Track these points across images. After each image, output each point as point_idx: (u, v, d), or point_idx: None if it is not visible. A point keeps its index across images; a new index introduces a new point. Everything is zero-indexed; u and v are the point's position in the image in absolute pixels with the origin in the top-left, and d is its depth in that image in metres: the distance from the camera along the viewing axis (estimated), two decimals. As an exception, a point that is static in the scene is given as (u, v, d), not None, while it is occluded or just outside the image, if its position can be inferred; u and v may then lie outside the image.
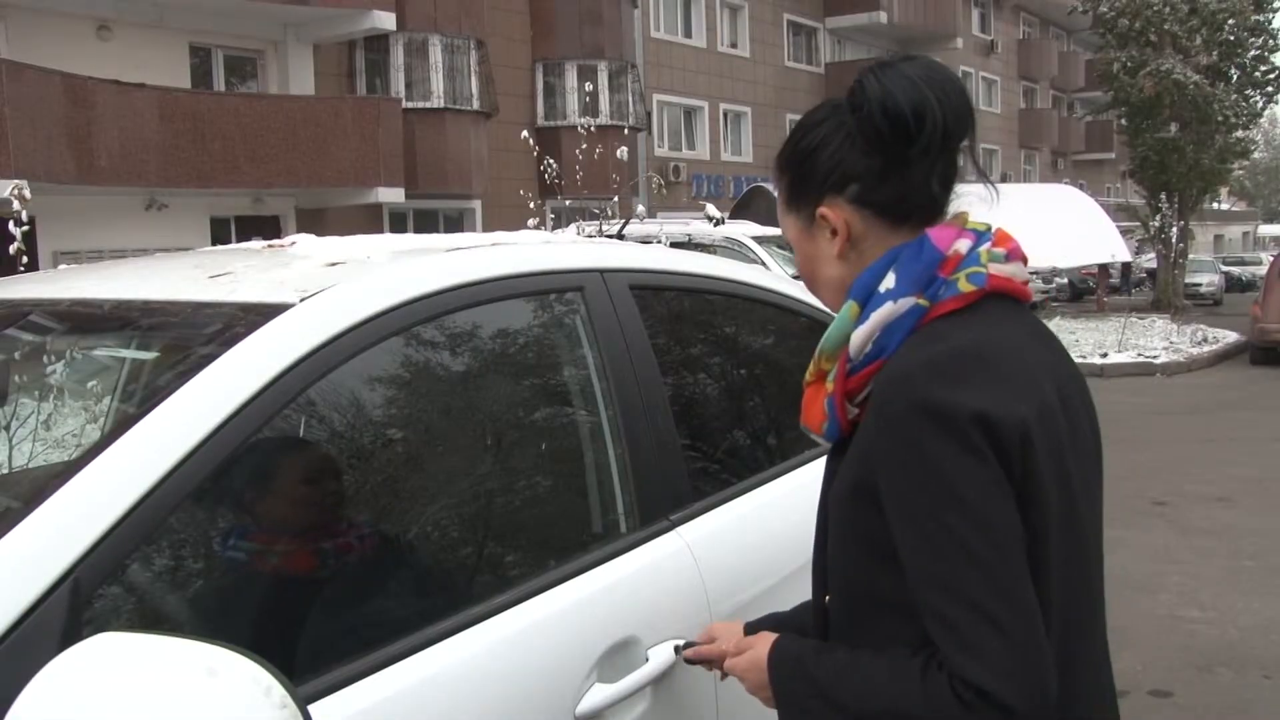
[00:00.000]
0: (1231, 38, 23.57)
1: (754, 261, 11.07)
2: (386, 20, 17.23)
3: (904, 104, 1.23)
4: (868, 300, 1.25)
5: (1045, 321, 1.45)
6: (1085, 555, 1.24)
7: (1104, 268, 25.40)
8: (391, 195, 17.02)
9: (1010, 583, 1.10)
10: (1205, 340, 18.08)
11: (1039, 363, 1.24)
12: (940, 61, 1.31)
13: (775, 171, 1.38)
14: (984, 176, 1.37)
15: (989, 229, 1.31)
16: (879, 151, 1.26)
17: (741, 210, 17.07)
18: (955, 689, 1.09)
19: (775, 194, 1.41)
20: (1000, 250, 1.28)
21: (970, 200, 1.34)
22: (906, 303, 1.23)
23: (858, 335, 1.25)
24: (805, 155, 1.32)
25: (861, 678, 1.19)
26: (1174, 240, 24.09)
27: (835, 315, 1.30)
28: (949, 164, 1.28)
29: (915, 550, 1.14)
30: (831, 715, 1.22)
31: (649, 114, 24.12)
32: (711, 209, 11.72)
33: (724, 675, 1.50)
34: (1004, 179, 37.72)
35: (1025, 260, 1.32)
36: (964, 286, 1.23)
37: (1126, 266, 28.97)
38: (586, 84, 19.16)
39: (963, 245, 1.25)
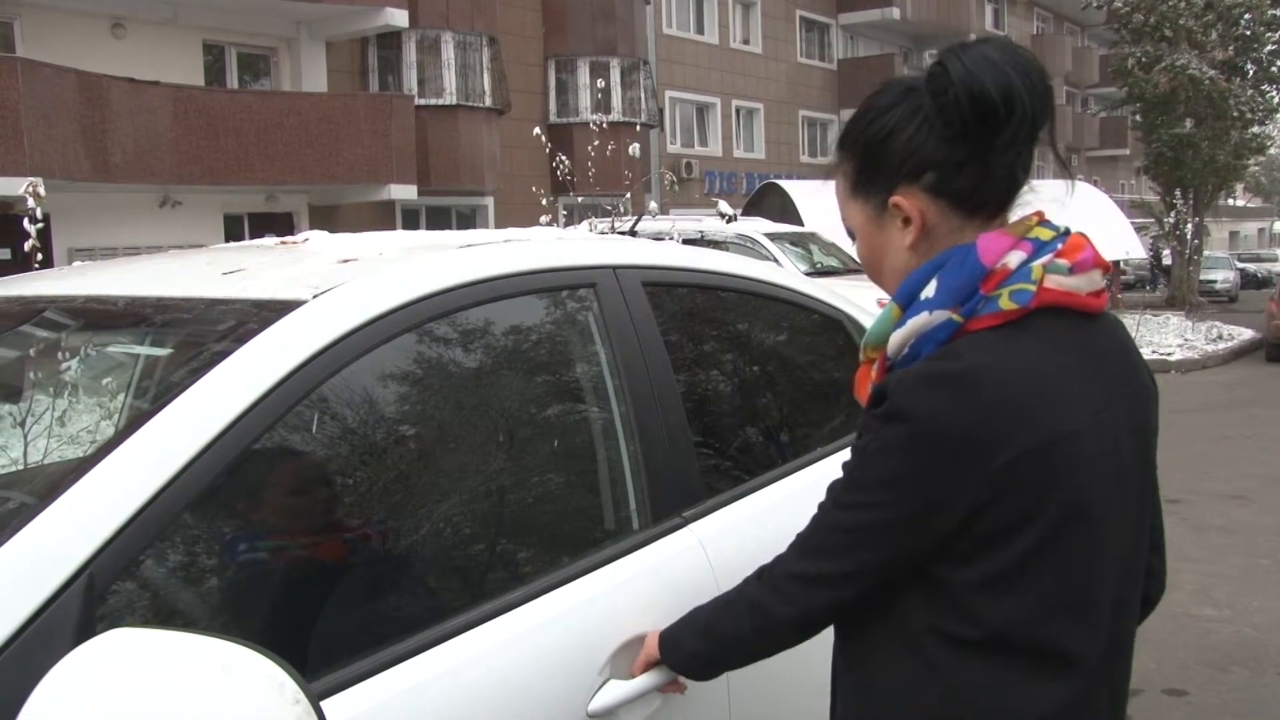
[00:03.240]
0: (1248, 32, 23.40)
1: (767, 258, 11.06)
2: (399, 17, 17.25)
3: (991, 89, 1.17)
4: (910, 304, 1.23)
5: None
6: (1093, 570, 1.22)
7: (1116, 264, 25.27)
8: (404, 192, 17.04)
9: (827, 551, 1.27)
10: (1220, 337, 17.98)
11: (1066, 391, 1.19)
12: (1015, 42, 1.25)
13: (838, 157, 1.32)
14: (1064, 166, 1.31)
15: (1059, 235, 1.24)
16: (961, 139, 1.20)
17: (754, 207, 17.06)
18: (761, 570, 1.39)
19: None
20: (1064, 262, 1.21)
21: (1042, 199, 1.28)
22: (941, 315, 1.20)
23: (895, 339, 1.24)
24: (877, 141, 1.26)
25: (722, 599, 1.46)
26: (1189, 237, 23.96)
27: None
28: (1031, 152, 1.23)
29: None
30: (705, 645, 1.45)
31: (661, 110, 24.10)
32: (724, 205, 11.70)
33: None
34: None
35: (1106, 268, 1.26)
36: (1005, 304, 1.18)
37: (1156, 260, 28.62)
38: (599, 80, 19.11)
39: (1013, 259, 1.20)
